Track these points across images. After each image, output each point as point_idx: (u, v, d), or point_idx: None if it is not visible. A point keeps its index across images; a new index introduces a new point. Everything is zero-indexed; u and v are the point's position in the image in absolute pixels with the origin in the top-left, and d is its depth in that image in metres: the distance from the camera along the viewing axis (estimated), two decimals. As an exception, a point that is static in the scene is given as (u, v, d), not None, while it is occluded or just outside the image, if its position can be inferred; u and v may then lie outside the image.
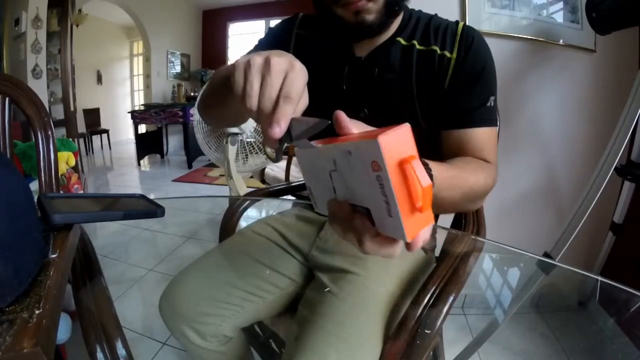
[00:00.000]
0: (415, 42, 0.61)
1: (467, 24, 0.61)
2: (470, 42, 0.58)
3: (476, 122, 0.58)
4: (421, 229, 0.25)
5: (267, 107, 0.32)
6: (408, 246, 0.25)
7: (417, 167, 0.23)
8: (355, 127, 0.29)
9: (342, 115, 0.28)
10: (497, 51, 0.60)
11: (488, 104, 0.59)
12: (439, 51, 0.59)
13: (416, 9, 0.66)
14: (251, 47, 0.69)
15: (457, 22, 0.61)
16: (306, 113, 0.77)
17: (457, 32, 0.59)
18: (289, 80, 0.32)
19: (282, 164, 2.05)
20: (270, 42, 0.70)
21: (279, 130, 0.30)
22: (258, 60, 0.33)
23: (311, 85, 0.69)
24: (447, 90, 0.59)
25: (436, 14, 0.65)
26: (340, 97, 0.63)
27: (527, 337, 1.27)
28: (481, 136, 0.58)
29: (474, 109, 0.58)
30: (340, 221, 0.29)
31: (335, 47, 0.65)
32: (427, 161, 0.41)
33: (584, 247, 1.39)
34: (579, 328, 1.35)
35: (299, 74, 0.33)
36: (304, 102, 0.35)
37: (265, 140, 0.32)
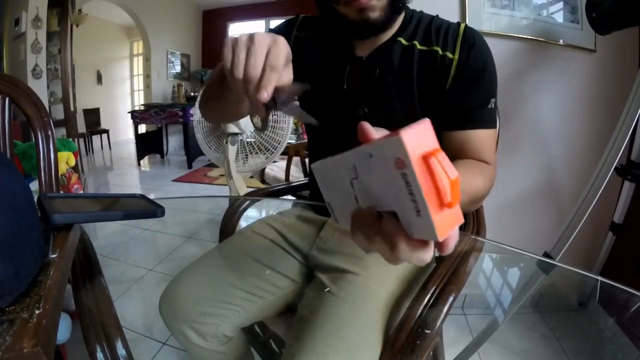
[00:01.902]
0: (416, 42, 0.61)
1: (467, 25, 0.61)
2: (472, 43, 0.59)
3: (477, 123, 0.58)
4: (452, 228, 0.23)
5: (254, 75, 0.35)
6: (440, 247, 0.24)
7: (442, 159, 0.22)
8: (378, 135, 0.29)
9: (367, 125, 0.28)
10: (497, 51, 0.60)
11: (489, 106, 0.59)
12: (440, 52, 0.59)
13: (417, 9, 0.66)
14: None
15: (458, 23, 0.61)
16: (310, 110, 0.78)
17: (459, 33, 0.59)
18: (273, 53, 0.36)
19: (282, 163, 2.05)
20: None
21: (265, 95, 0.34)
22: (243, 37, 0.37)
23: (312, 84, 0.69)
24: (448, 91, 0.59)
25: (437, 15, 0.65)
26: (341, 97, 0.63)
27: (527, 337, 1.27)
28: (481, 137, 0.58)
29: (475, 110, 0.58)
30: (366, 229, 0.27)
31: (337, 47, 0.65)
32: None
33: (584, 247, 1.39)
34: (579, 328, 1.35)
35: (282, 48, 0.36)
36: (287, 75, 0.38)
37: (253, 108, 0.36)
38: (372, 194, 0.28)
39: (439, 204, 0.22)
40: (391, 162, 0.24)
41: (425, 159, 0.22)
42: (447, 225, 0.23)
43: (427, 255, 0.26)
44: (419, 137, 0.23)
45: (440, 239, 0.23)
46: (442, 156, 0.23)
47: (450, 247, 0.25)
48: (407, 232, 0.25)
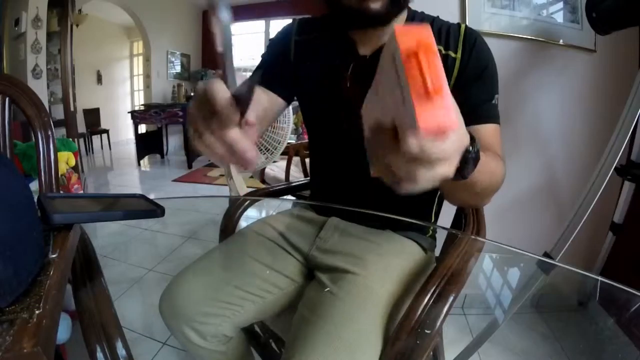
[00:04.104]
0: None
1: (466, 25, 0.62)
2: (473, 42, 0.59)
3: (484, 119, 0.58)
4: (437, 124, 0.22)
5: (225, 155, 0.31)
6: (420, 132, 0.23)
7: (428, 50, 0.23)
8: None
9: None
10: (497, 51, 0.60)
11: (493, 101, 0.59)
12: (443, 51, 0.60)
13: (417, 10, 0.67)
14: (257, 63, 0.71)
15: (458, 24, 0.62)
16: (311, 111, 0.78)
17: (460, 33, 0.60)
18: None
19: (282, 163, 2.05)
20: (272, 55, 0.71)
21: (252, 165, 0.31)
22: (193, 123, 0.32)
23: (316, 83, 0.69)
24: (452, 89, 0.59)
25: (438, 16, 0.65)
26: (344, 95, 0.63)
27: (527, 337, 1.27)
28: (489, 132, 0.58)
29: (481, 106, 0.59)
30: (371, 142, 0.29)
31: (339, 45, 0.65)
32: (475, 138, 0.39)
33: (584, 247, 1.39)
34: (579, 328, 1.35)
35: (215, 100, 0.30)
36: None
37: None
38: (382, 109, 0.29)
39: (422, 91, 0.22)
40: (390, 59, 0.25)
41: (414, 50, 0.23)
42: (430, 117, 0.22)
43: (410, 166, 0.25)
44: (413, 33, 0.24)
45: (421, 127, 0.22)
46: (429, 48, 0.23)
47: (428, 150, 0.24)
48: (401, 139, 0.25)
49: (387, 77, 0.26)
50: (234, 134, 0.30)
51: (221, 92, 0.29)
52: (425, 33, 0.24)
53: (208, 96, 0.29)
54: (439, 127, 0.23)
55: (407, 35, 0.23)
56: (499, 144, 0.60)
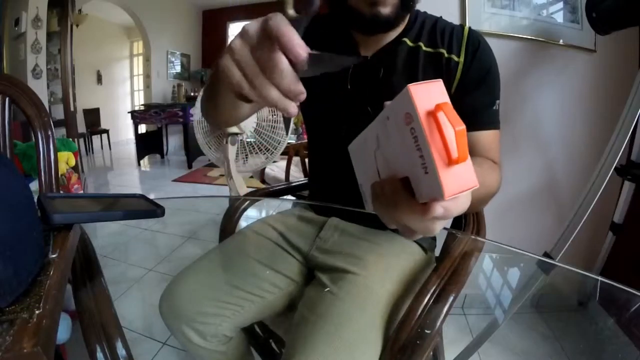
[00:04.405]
0: (421, 43, 0.61)
1: (470, 27, 0.62)
2: (476, 45, 0.59)
3: (484, 125, 0.59)
4: (460, 189, 0.22)
5: (272, 97, 0.30)
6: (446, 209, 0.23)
7: (450, 113, 0.22)
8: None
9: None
10: (497, 51, 0.60)
11: (494, 107, 0.59)
12: (446, 54, 0.59)
13: (420, 10, 0.66)
14: None
15: (461, 26, 0.62)
16: (311, 111, 0.77)
17: (464, 36, 0.60)
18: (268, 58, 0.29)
19: (282, 163, 2.05)
20: None
21: (293, 109, 0.30)
22: (226, 57, 0.31)
23: (316, 84, 0.68)
24: (453, 94, 0.59)
25: (441, 17, 0.65)
26: (345, 96, 0.63)
27: (527, 337, 1.27)
28: (488, 138, 0.59)
29: (481, 111, 0.59)
30: (382, 199, 0.28)
31: (340, 46, 0.65)
32: None
33: (584, 247, 1.39)
34: (579, 328, 1.35)
35: (271, 28, 0.29)
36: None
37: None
38: (390, 162, 0.28)
39: (447, 160, 0.22)
40: (402, 118, 0.24)
41: (433, 112, 0.22)
42: (455, 184, 0.22)
43: (429, 222, 0.25)
44: (428, 92, 0.23)
45: (447, 197, 0.22)
46: (450, 110, 0.22)
47: (451, 211, 0.24)
48: (418, 197, 0.25)
49: (397, 134, 0.25)
50: (293, 76, 0.30)
51: (296, 34, 0.28)
52: (441, 91, 0.23)
53: (279, 35, 0.28)
54: (463, 191, 0.23)
55: (423, 98, 0.23)
56: (497, 149, 0.60)
